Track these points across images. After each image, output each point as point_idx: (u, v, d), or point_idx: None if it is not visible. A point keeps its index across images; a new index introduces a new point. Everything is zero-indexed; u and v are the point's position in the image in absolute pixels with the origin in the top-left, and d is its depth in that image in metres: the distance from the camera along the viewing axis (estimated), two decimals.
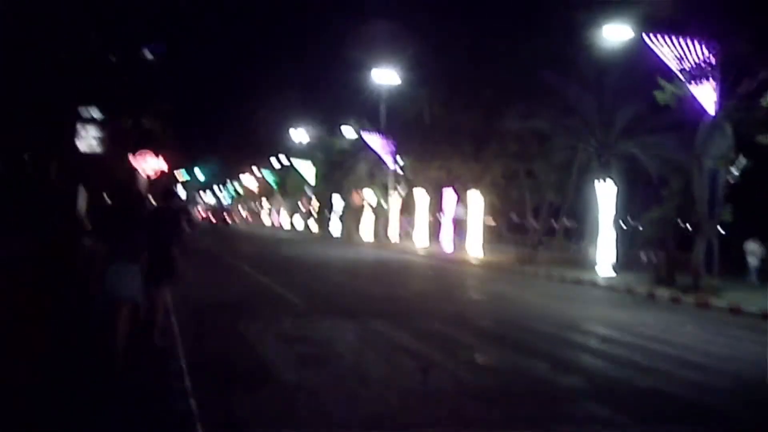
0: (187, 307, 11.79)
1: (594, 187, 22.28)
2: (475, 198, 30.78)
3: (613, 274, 21.15)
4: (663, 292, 16.68)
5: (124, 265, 7.19)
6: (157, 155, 36.78)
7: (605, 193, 21.94)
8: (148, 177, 36.89)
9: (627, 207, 22.12)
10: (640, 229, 21.80)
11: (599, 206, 22.09)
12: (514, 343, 10.01)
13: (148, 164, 36.74)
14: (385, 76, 36.50)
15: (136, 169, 35.58)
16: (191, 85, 79.38)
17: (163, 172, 38.55)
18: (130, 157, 34.48)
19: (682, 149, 18.51)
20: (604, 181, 21.86)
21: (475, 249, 30.23)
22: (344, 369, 8.02)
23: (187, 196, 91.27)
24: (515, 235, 35.60)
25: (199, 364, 7.64)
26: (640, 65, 18.85)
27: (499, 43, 25.71)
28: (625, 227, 22.06)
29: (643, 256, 22.35)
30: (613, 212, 21.86)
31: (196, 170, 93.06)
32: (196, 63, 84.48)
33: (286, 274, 19.52)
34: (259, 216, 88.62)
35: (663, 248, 18.05)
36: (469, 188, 31.15)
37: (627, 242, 22.64)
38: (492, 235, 32.04)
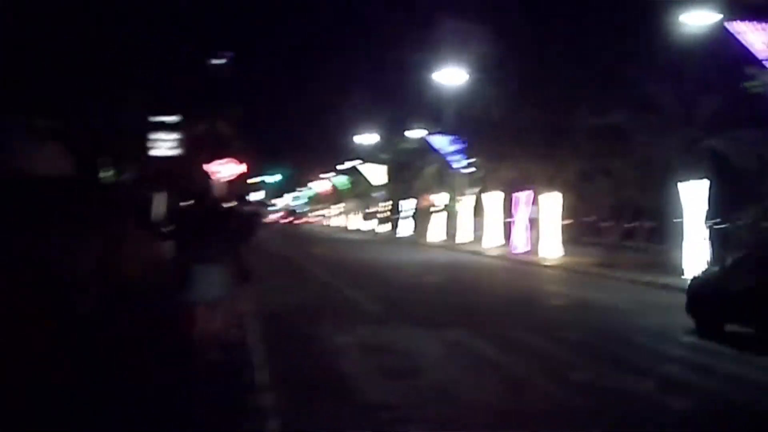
0: (262, 311, 11.65)
1: (678, 185, 20.98)
2: (550, 198, 29.78)
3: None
4: None
5: (208, 266, 7.36)
6: (231, 160, 37.44)
7: (692, 192, 20.64)
8: (224, 181, 37.55)
9: (717, 207, 20.73)
10: (730, 230, 20.46)
11: (684, 206, 20.80)
12: (610, 357, 9.33)
13: (224, 168, 37.39)
14: (452, 76, 35.88)
15: (211, 173, 36.24)
16: (263, 91, 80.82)
17: (237, 176, 39.11)
18: (206, 162, 35.07)
19: None
20: (691, 179, 20.56)
21: (549, 251, 29.23)
22: (429, 386, 7.59)
23: (260, 199, 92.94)
24: (588, 237, 34.34)
25: (277, 376, 7.37)
26: (724, 54, 17.71)
27: (569, 35, 24.73)
28: (712, 229, 20.64)
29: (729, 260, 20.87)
30: (703, 212, 20.51)
31: (269, 175, 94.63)
32: (268, 69, 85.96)
33: (359, 277, 19.30)
34: (330, 219, 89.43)
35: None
36: (542, 188, 30.19)
37: (716, 245, 21.21)
38: (564, 237, 30.88)
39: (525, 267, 26.26)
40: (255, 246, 9.86)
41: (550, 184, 29.55)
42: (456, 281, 20.13)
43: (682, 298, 12.37)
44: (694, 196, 20.66)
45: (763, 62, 15.12)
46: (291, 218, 76.54)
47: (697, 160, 20.45)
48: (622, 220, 26.82)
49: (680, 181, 20.75)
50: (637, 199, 24.80)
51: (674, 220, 21.65)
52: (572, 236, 31.19)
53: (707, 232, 20.56)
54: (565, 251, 29.22)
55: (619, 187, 24.44)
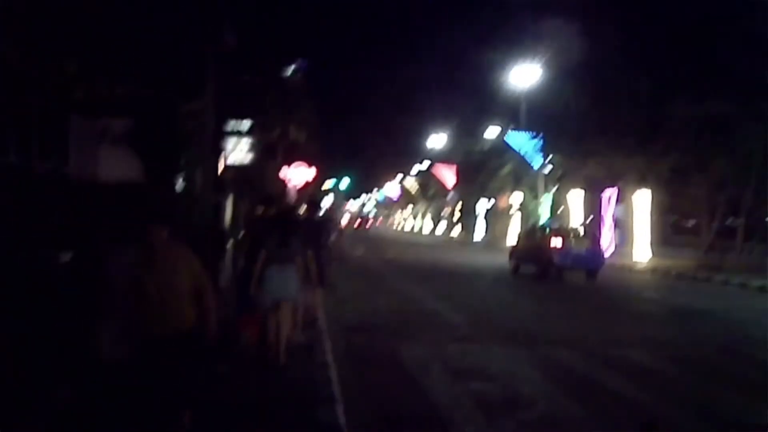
0: (337, 323, 10.72)
1: None
2: (641, 196, 27.78)
3: None
4: None
5: (283, 266, 7.67)
6: (302, 164, 37.31)
7: None
8: (297, 187, 37.48)
9: None
10: None
11: None
12: (751, 384, 7.77)
13: (297, 175, 37.31)
14: (527, 72, 34.24)
15: (285, 180, 36.15)
16: (334, 95, 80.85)
17: (309, 182, 38.94)
18: (280, 168, 35.08)
19: None
20: None
21: (639, 252, 27.25)
22: (537, 420, 6.34)
23: (333, 204, 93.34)
24: (681, 237, 32.00)
25: (355, 402, 6.37)
26: None
27: (660, 17, 22.79)
28: None
29: None
30: None
31: (339, 179, 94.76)
32: (338, 72, 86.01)
33: (437, 284, 18.06)
34: (401, 222, 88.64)
35: None
36: (631, 186, 28.21)
37: None
38: (653, 237, 28.62)
39: (614, 271, 24.44)
40: (330, 252, 9.69)
41: (641, 181, 27.58)
42: (541, 289, 18.65)
43: None
44: None
45: None
46: (362, 222, 76.18)
47: None
48: (717, 218, 24.59)
49: None
50: (737, 195, 22.60)
51: None
52: (662, 236, 28.98)
53: None
54: (655, 252, 27.18)
55: (718, 183, 22.28)
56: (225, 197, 14.84)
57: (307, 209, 11.15)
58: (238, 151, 26.13)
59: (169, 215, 5.34)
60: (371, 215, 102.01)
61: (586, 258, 19.56)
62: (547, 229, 21.03)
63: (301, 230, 8.35)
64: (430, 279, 19.70)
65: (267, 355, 7.68)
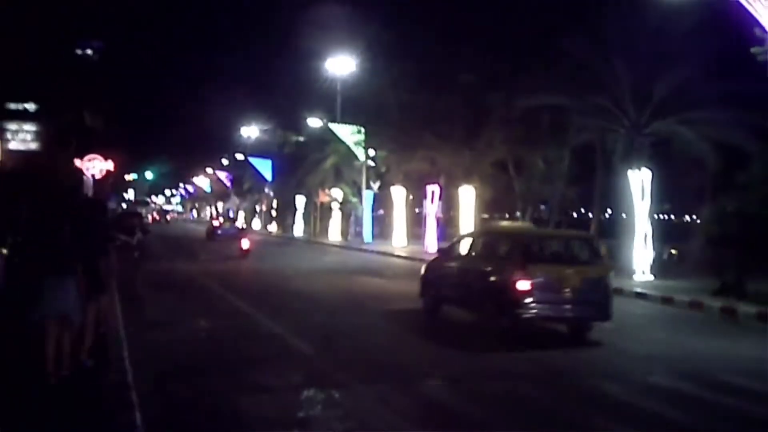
0: (149, 352, 8.11)
1: (625, 175, 18.95)
2: (466, 193, 27.40)
3: (650, 278, 17.98)
4: (743, 307, 13.27)
5: (57, 277, 6.71)
6: (97, 156, 33.68)
7: (640, 183, 18.68)
8: (96, 178, 33.73)
9: (670, 198, 18.91)
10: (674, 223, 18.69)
11: (632, 198, 18.83)
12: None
13: (92, 165, 33.40)
14: (341, 64, 32.78)
15: (79, 170, 32.10)
16: (138, 85, 73.78)
17: (109, 173, 34.95)
18: (73, 157, 31.35)
19: (742, 126, 15.55)
20: (638, 168, 18.56)
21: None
22: None
23: (136, 198, 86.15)
24: None
25: None
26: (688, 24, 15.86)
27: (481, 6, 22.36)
28: (651, 222, 18.81)
29: (664, 255, 19.18)
30: (647, 205, 18.57)
31: (147, 172, 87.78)
32: (142, 62, 79.17)
33: (266, 295, 15.50)
34: (215, 218, 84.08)
35: (735, 248, 14.60)
36: (456, 181, 27.77)
37: (660, 240, 19.39)
38: None
39: None
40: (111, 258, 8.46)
41: (466, 177, 27.18)
42: (386, 293, 16.77)
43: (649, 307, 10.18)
44: (640, 186, 18.73)
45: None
46: (167, 217, 71.29)
47: (646, 145, 18.44)
48: (529, 214, 24.91)
49: (629, 169, 18.72)
50: (572, 191, 22.80)
51: (618, 214, 19.70)
52: None
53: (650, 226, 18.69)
54: None
55: (553, 179, 22.20)
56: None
57: (88, 208, 9.58)
58: (20, 138, 23.53)
59: None
60: (178, 209, 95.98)
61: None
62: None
63: (89, 230, 7.60)
64: (256, 287, 17.19)
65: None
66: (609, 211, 29.07)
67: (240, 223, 54.92)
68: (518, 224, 15.67)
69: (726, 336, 11.32)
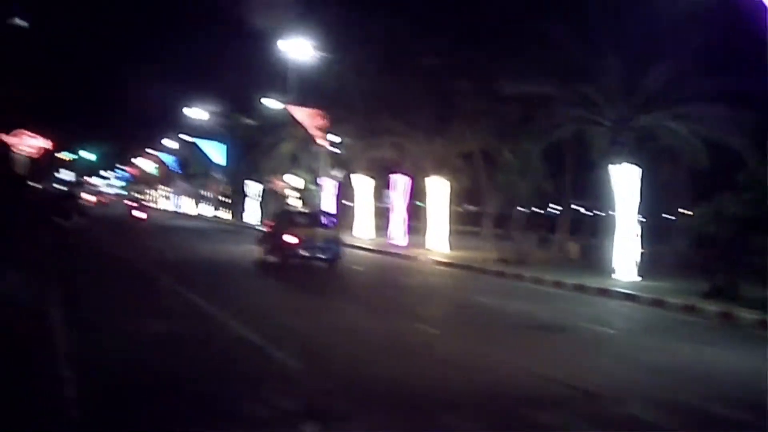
0: (87, 376, 6.47)
1: (608, 171, 18.14)
2: (436, 183, 26.26)
3: (637, 279, 17.24)
4: (742, 313, 12.53)
5: None
6: (27, 134, 31.32)
7: (624, 180, 17.90)
8: (25, 156, 31.34)
9: (659, 197, 18.18)
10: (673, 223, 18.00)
11: (616, 195, 18.05)
12: None
13: (22, 141, 31.04)
14: (297, 47, 31.02)
15: (8, 146, 29.77)
16: (76, 60, 69.36)
17: (46, 151, 32.53)
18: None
19: (738, 123, 14.86)
20: (622, 163, 17.77)
21: (436, 243, 25.79)
22: None
23: (74, 179, 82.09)
24: (469, 227, 31.61)
25: None
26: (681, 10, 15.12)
27: None
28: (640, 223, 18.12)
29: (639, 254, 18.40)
30: (636, 203, 17.81)
31: (85, 152, 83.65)
32: (80, 36, 74.80)
33: (232, 291, 13.88)
34: (157, 201, 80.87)
35: (730, 250, 13.91)
36: (425, 171, 26.59)
37: (651, 240, 18.71)
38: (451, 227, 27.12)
39: (416, 264, 22.51)
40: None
41: (438, 167, 26.00)
42: (369, 291, 15.47)
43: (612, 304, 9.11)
44: (625, 183, 17.92)
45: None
46: (103, 199, 68.44)
47: (632, 140, 17.60)
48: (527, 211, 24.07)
49: (611, 164, 17.88)
50: (549, 186, 21.85)
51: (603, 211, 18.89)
52: (453, 228, 27.75)
53: (640, 225, 17.94)
54: (458, 245, 25.90)
55: (528, 173, 21.10)
56: None
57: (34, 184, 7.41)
58: None
59: None
60: (121, 192, 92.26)
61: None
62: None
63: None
64: (216, 281, 15.57)
65: None
66: (582, 208, 28.44)
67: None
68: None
69: (749, 349, 10.33)
